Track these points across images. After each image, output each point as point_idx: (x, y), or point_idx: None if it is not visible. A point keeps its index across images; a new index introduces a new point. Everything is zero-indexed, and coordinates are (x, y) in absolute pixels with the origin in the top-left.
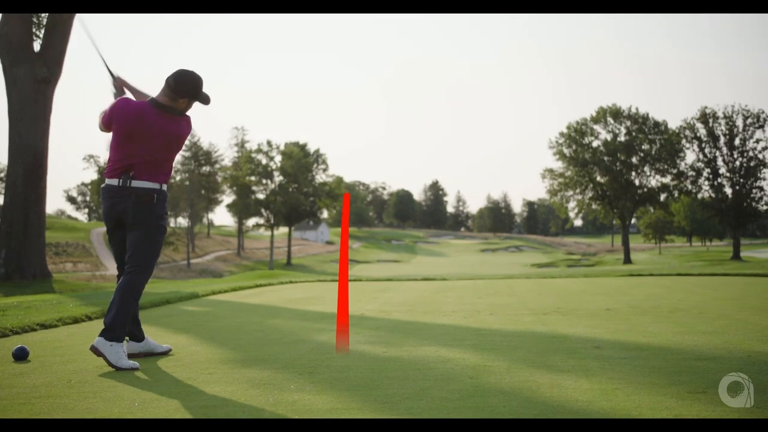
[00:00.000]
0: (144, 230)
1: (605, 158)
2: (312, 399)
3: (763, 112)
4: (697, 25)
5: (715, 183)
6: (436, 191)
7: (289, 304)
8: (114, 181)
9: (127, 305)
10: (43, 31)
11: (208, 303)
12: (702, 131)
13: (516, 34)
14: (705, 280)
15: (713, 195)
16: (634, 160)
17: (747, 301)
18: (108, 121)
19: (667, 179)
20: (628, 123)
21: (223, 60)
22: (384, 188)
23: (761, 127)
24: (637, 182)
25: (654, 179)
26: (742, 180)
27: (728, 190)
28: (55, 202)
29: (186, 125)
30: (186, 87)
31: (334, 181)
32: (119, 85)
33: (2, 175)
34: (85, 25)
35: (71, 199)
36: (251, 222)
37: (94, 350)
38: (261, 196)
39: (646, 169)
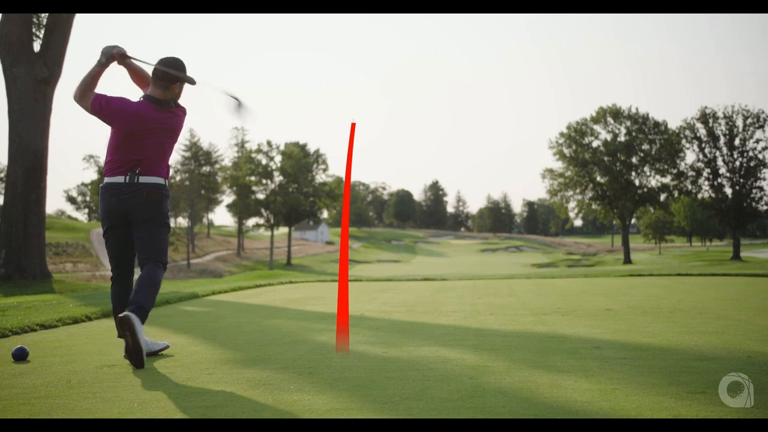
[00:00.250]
0: (154, 226)
1: (605, 158)
2: (312, 399)
3: (763, 112)
4: (697, 25)
5: (715, 183)
6: (436, 191)
7: (289, 304)
8: (119, 179)
9: (155, 293)
10: (43, 31)
11: (208, 303)
12: (702, 131)
13: (516, 34)
14: (705, 281)
15: (713, 195)
16: (634, 160)
17: (747, 302)
18: (104, 119)
19: (667, 179)
20: (628, 123)
21: (223, 60)
22: (384, 188)
23: (761, 127)
24: (637, 182)
25: (654, 179)
26: (742, 180)
27: (728, 190)
28: (55, 202)
29: (182, 114)
30: (175, 69)
31: (334, 181)
32: (119, 54)
33: (2, 175)
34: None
35: (71, 200)
36: (251, 222)
37: (126, 321)
38: (261, 196)
39: (646, 169)
